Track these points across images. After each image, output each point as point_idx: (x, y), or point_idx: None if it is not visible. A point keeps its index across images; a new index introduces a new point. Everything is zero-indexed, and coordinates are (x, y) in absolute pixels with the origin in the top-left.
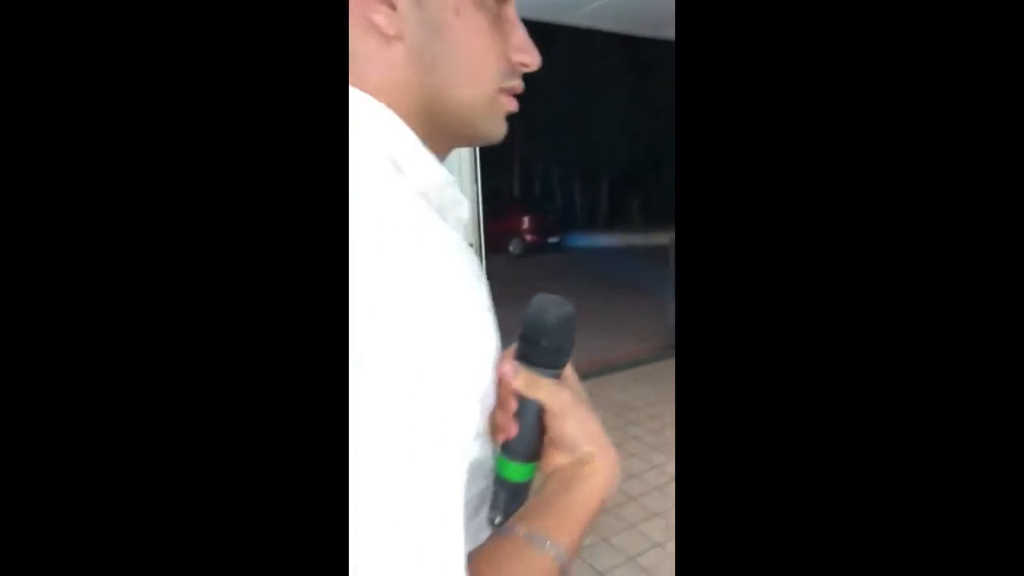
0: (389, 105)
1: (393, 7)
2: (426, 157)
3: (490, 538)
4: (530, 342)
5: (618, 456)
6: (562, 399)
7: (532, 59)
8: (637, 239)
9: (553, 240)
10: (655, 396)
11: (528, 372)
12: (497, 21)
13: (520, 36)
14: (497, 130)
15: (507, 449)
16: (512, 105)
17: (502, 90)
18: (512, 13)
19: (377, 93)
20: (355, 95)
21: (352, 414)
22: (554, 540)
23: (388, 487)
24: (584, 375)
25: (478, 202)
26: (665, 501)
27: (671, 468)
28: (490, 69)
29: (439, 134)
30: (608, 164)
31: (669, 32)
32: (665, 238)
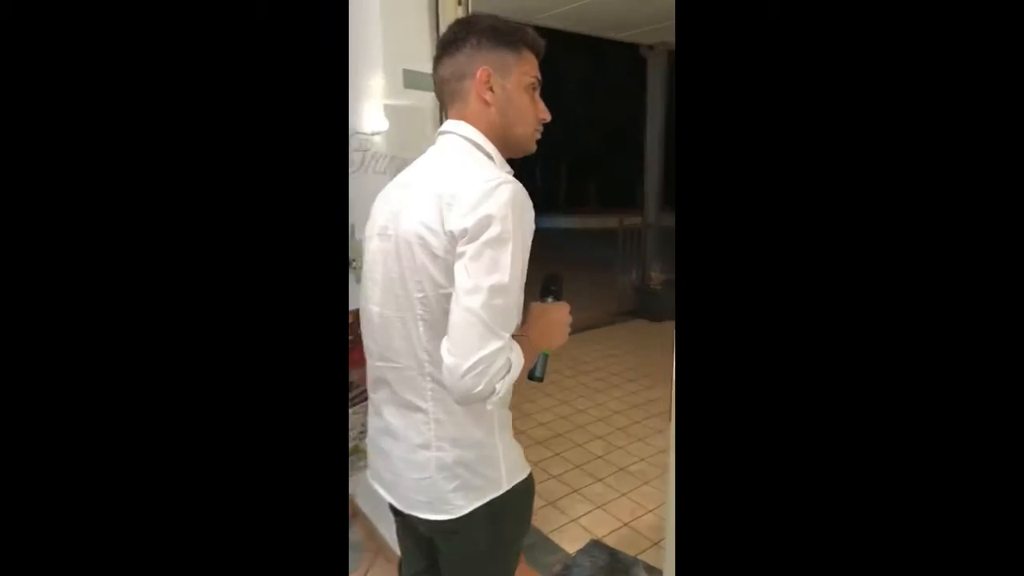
0: (485, 134)
1: (492, 91)
2: (502, 159)
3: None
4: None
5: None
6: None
7: (547, 116)
8: (593, 222)
9: None
10: (600, 353)
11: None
12: (533, 98)
13: (541, 105)
14: (531, 148)
15: None
16: (538, 135)
17: (536, 130)
18: (538, 96)
19: (478, 124)
20: (476, 133)
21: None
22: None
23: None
24: None
25: None
26: (605, 427)
27: (613, 404)
28: (530, 121)
29: (505, 148)
30: (567, 149)
31: (627, 34)
32: (614, 222)
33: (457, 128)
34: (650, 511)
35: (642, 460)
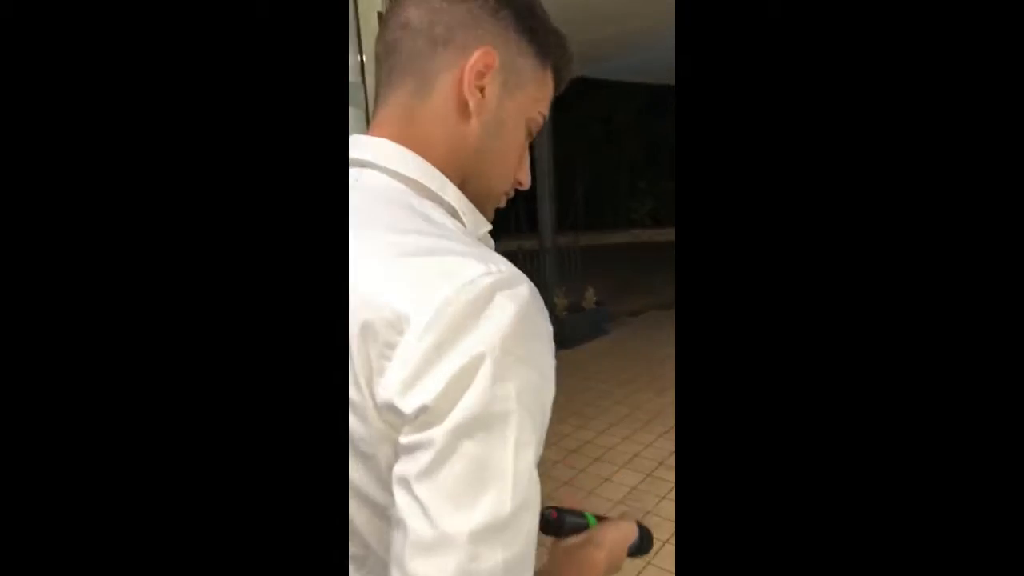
0: (442, 160)
1: (483, 95)
2: (476, 215)
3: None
4: None
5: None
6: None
7: (527, 182)
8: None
9: None
10: None
11: None
12: (522, 149)
13: (526, 164)
14: (489, 216)
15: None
16: (502, 204)
17: (504, 192)
18: (527, 146)
19: (435, 148)
20: (424, 167)
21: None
22: None
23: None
24: None
25: None
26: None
27: (547, 453)
28: (509, 176)
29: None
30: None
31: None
32: (513, 245)
33: (389, 158)
34: None
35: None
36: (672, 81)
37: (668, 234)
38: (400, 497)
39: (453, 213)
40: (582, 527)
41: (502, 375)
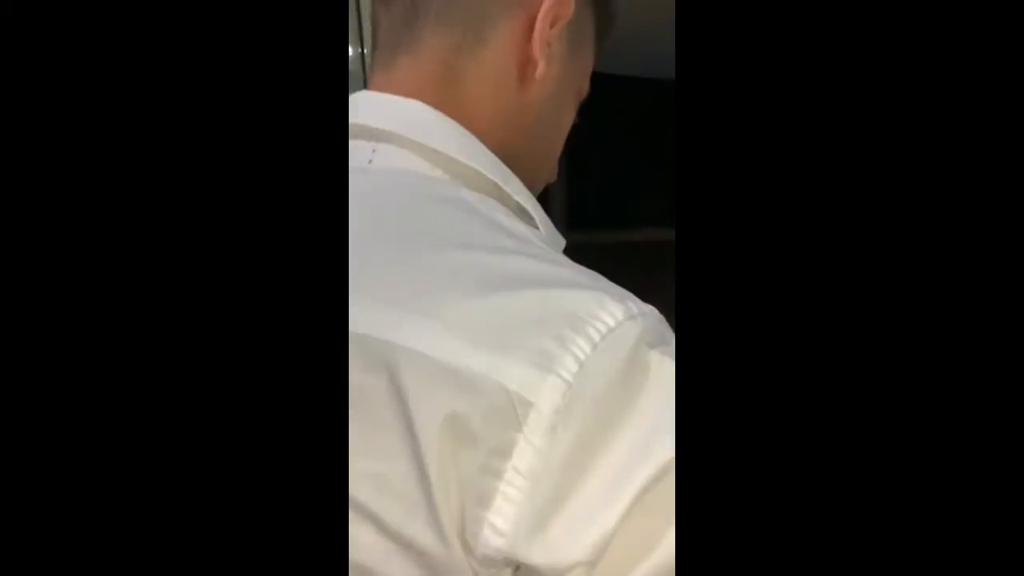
0: (488, 138)
1: (548, 61)
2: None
3: None
4: None
5: None
6: None
7: (555, 175)
8: None
9: None
10: None
11: None
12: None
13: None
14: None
15: None
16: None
17: (547, 181)
18: None
19: (482, 122)
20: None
21: None
22: None
23: None
24: None
25: None
26: None
27: None
28: (555, 162)
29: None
30: None
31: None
32: None
33: (429, 131)
34: None
35: None
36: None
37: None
38: None
39: (521, 216)
40: None
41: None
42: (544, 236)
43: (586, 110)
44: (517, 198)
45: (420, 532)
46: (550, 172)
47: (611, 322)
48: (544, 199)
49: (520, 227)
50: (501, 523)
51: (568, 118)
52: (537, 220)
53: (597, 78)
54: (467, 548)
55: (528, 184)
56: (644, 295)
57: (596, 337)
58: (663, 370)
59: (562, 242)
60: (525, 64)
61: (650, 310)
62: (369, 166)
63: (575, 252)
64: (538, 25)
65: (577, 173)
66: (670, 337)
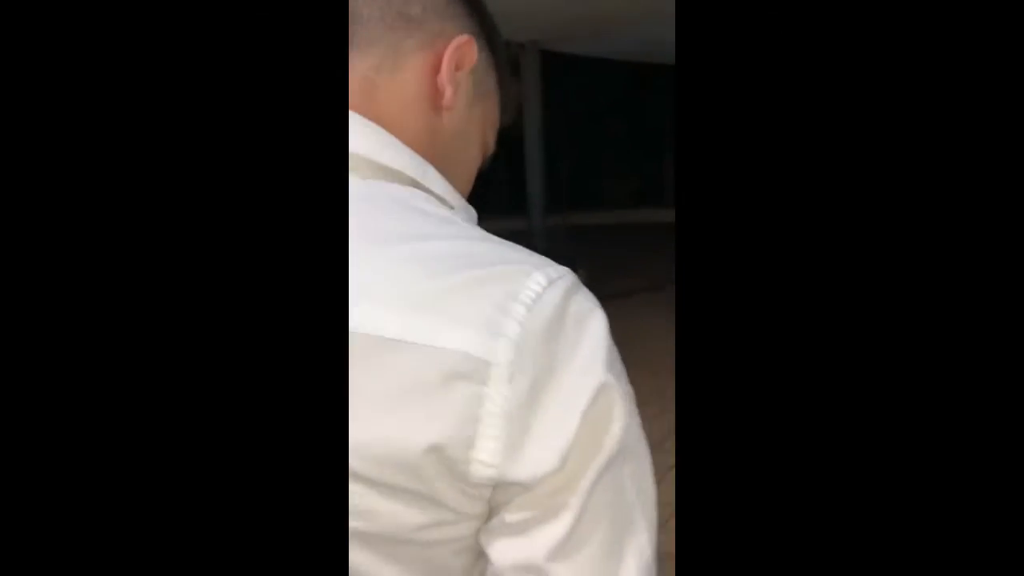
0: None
1: (456, 90)
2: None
3: None
4: None
5: None
6: None
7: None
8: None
9: None
10: None
11: None
12: (475, 170)
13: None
14: None
15: None
16: None
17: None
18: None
19: (401, 134)
20: (416, 161)
21: None
22: None
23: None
24: None
25: None
26: None
27: None
28: (473, 171)
29: None
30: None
31: (570, 46)
32: (495, 227)
33: (353, 135)
34: None
35: None
36: (659, 59)
37: (653, 215)
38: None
39: (442, 203)
40: None
41: (621, 407)
42: (464, 217)
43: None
44: (434, 188)
45: (409, 483)
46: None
47: (538, 288)
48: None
49: (444, 212)
50: (487, 457)
51: (474, 156)
52: (452, 203)
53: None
54: (453, 483)
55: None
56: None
57: (528, 302)
58: (582, 315)
59: (475, 217)
60: (435, 94)
61: (565, 271)
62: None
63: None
64: (444, 62)
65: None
66: (582, 289)
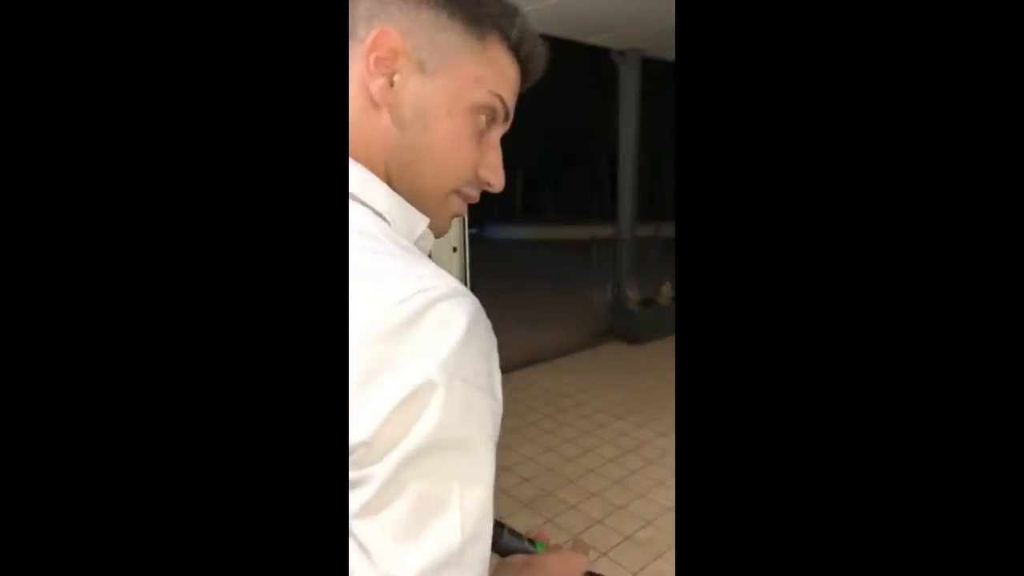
0: (361, 158)
1: (391, 84)
2: (412, 217)
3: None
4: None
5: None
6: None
7: (497, 182)
8: (548, 232)
9: (472, 230)
10: (584, 383)
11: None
12: (480, 137)
13: (494, 158)
14: (440, 226)
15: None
16: (461, 208)
17: (457, 192)
18: (495, 137)
19: (360, 148)
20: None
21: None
22: None
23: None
24: (513, 367)
25: None
26: (600, 482)
27: (604, 450)
28: (455, 173)
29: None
30: (522, 157)
31: (592, 37)
32: (580, 233)
33: None
34: None
35: (648, 524)
36: None
37: None
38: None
39: (380, 217)
40: (523, 550)
41: (451, 402)
42: (398, 227)
43: None
44: (374, 206)
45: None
46: (443, 179)
47: (402, 295)
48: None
49: (376, 228)
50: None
51: (448, 129)
52: (392, 219)
53: None
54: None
55: (418, 190)
56: None
57: (386, 305)
58: (443, 320)
59: (422, 226)
60: (369, 82)
61: (447, 285)
62: None
63: None
64: (360, 62)
65: None
66: (466, 304)
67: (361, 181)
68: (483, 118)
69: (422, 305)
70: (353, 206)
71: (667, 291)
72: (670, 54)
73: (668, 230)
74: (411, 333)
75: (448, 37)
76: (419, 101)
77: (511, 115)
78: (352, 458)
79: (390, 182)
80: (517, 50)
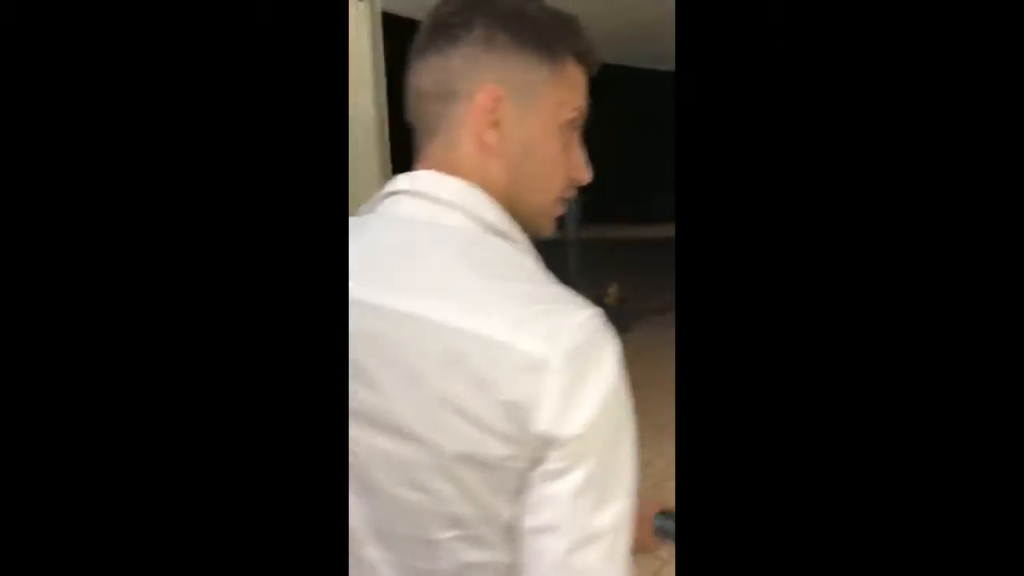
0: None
1: (501, 129)
2: (525, 239)
3: None
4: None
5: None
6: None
7: (586, 177)
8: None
9: None
10: None
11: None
12: (566, 145)
13: (578, 157)
14: (548, 229)
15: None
16: (562, 209)
17: (557, 198)
18: (576, 139)
19: (477, 184)
20: (479, 198)
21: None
22: None
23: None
24: None
25: None
26: None
27: None
28: (558, 184)
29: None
30: None
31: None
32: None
33: (437, 188)
34: None
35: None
36: None
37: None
38: (553, 511)
39: (506, 237)
40: None
41: (623, 403)
42: (522, 248)
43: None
44: (500, 226)
45: (503, 423)
46: (550, 195)
47: (581, 320)
48: None
49: (507, 249)
50: (544, 415)
51: (548, 151)
52: (513, 237)
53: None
54: (514, 440)
55: (533, 210)
56: None
57: (575, 327)
58: (605, 340)
59: (532, 250)
60: (486, 145)
61: (595, 308)
62: (391, 209)
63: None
64: (476, 120)
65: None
66: (606, 324)
67: (499, 218)
68: (571, 130)
69: (596, 327)
70: (503, 244)
71: (614, 292)
72: (606, 56)
73: (613, 232)
74: (596, 349)
75: (535, 75)
76: (524, 136)
77: (586, 114)
78: (566, 447)
79: (511, 211)
80: (584, 59)
